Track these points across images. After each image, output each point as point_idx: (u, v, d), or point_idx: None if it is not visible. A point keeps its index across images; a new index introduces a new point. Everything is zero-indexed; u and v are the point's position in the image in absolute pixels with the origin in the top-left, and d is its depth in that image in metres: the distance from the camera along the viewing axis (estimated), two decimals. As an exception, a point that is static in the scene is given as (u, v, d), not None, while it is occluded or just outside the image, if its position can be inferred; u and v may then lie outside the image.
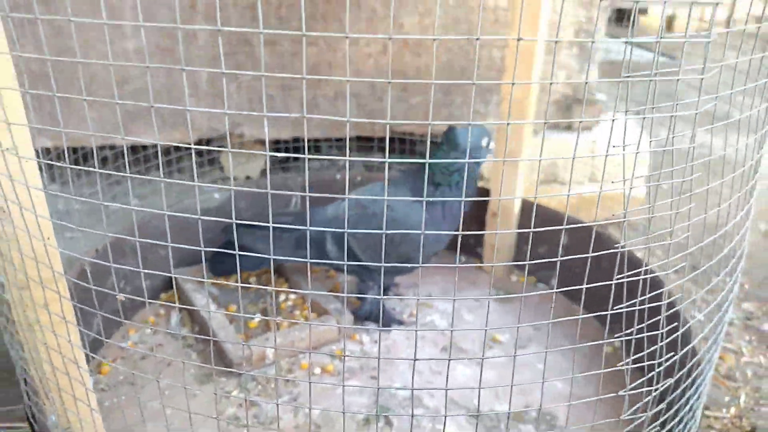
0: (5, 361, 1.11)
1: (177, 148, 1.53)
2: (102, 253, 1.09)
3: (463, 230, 1.28)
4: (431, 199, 0.58)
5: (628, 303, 0.53)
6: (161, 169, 0.48)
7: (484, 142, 1.12)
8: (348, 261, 1.14)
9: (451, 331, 0.53)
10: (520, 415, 1.01)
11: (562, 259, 0.55)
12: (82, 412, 0.61)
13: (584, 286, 0.56)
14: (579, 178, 1.67)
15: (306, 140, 0.78)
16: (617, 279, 0.56)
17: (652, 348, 0.58)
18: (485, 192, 1.38)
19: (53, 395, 0.62)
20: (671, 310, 0.63)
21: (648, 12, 4.11)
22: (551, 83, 0.70)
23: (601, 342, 1.09)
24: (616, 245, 0.62)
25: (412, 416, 0.55)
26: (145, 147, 1.54)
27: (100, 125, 1.51)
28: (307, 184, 0.48)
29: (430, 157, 1.14)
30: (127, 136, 1.55)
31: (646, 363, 0.58)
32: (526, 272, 1.25)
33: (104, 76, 1.45)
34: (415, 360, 0.56)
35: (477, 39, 0.44)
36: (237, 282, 1.31)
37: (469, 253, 1.46)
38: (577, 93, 1.62)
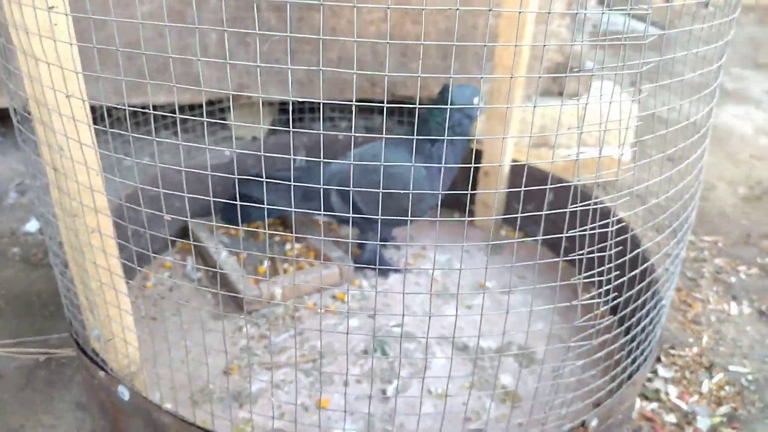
0: (55, 297, 1.23)
1: (189, 108, 1.62)
2: (129, 200, 1.19)
3: (456, 188, 1.39)
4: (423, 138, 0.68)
5: (581, 229, 0.63)
6: (179, 129, 0.58)
7: (475, 101, 1.21)
8: (351, 213, 1.25)
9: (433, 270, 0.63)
10: (503, 350, 1.12)
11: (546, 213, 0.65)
12: (125, 321, 0.72)
13: (564, 235, 0.66)
14: (569, 142, 1.77)
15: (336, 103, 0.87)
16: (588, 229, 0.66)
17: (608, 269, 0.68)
18: (478, 153, 1.48)
19: (99, 309, 0.73)
20: (621, 230, 0.73)
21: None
22: (545, 45, 0.80)
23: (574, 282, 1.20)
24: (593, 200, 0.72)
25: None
26: (154, 107, 1.63)
27: (115, 85, 1.59)
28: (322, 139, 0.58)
29: (427, 115, 1.24)
30: (139, 96, 1.64)
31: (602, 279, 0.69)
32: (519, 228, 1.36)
33: (120, 38, 1.53)
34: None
35: (456, 9, 0.53)
36: (252, 229, 1.42)
37: (462, 209, 1.56)
38: (568, 61, 1.70)
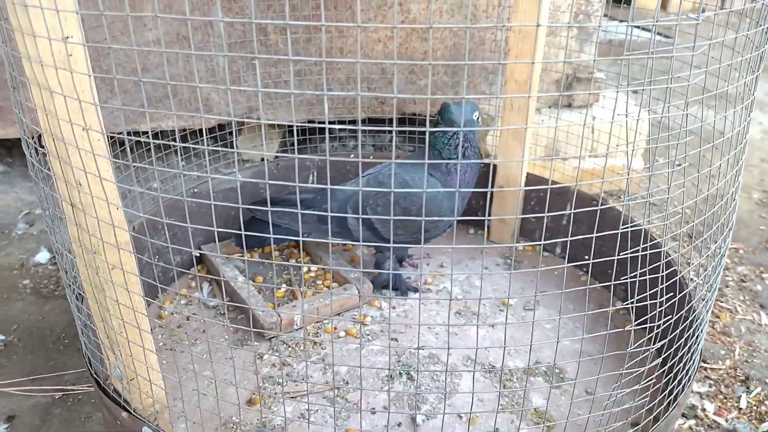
0: (69, 330, 1.20)
1: (195, 133, 1.60)
2: (139, 230, 1.17)
3: (470, 204, 1.36)
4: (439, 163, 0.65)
5: (632, 273, 0.60)
6: (178, 155, 0.56)
7: (474, 116, 1.19)
8: (368, 234, 1.23)
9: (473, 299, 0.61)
10: (532, 370, 1.09)
11: (573, 238, 0.62)
12: (149, 359, 0.70)
13: (592, 260, 0.64)
14: (582, 153, 1.74)
15: (350, 121, 0.85)
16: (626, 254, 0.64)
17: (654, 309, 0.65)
18: (493, 168, 1.45)
19: (121, 348, 0.70)
20: (670, 275, 0.71)
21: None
22: (564, 62, 0.77)
23: (607, 309, 1.17)
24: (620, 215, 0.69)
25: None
26: (165, 132, 1.62)
27: (122, 112, 1.58)
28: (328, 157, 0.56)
29: (431, 133, 1.22)
30: (149, 122, 1.62)
31: (650, 323, 0.66)
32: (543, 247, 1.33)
33: (126, 65, 1.52)
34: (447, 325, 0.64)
35: (467, 27, 0.51)
36: (261, 253, 1.39)
37: (478, 225, 1.54)
38: (577, 72, 1.69)
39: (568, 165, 1.76)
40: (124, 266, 0.65)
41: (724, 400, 1.06)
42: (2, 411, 1.02)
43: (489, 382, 1.06)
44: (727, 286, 1.40)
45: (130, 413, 0.74)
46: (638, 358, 0.71)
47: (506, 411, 1.00)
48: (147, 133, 1.60)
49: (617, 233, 0.62)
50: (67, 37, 0.56)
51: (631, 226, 0.67)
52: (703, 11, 0.62)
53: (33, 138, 0.69)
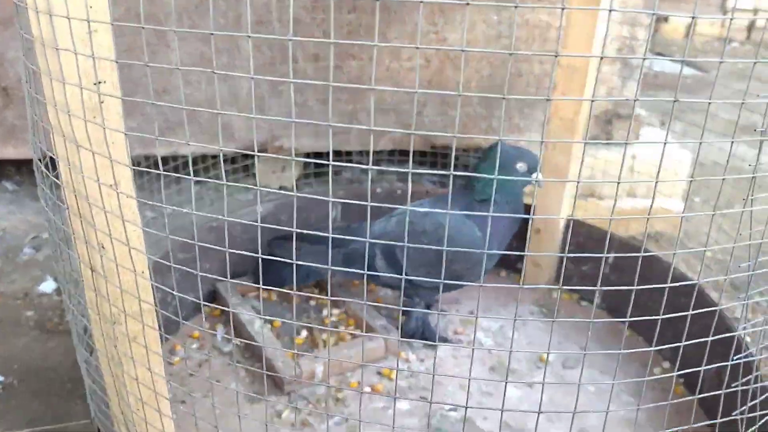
0: (73, 372, 1.12)
1: (211, 158, 1.53)
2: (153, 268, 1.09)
3: (506, 247, 1.28)
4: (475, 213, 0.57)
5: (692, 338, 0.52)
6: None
7: (518, 166, 1.10)
8: (397, 277, 1.14)
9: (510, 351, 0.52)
10: (575, 440, 1.00)
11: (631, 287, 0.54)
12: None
13: (658, 318, 0.55)
14: (619, 192, 1.66)
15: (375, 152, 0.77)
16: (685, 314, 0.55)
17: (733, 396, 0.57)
18: (528, 208, 1.37)
19: (137, 427, 0.62)
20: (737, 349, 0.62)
21: (668, 20, 4.09)
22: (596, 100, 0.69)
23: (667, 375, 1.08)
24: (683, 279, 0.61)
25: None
26: (175, 158, 1.54)
27: (139, 135, 1.50)
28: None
29: (475, 172, 1.14)
30: (166, 146, 1.55)
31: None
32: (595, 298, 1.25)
33: (145, 84, 1.44)
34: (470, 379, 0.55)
35: (511, 54, 0.43)
36: (287, 292, 1.31)
37: (510, 268, 1.45)
38: (618, 108, 1.61)
39: (606, 204, 1.68)
40: (146, 339, 0.56)
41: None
42: (-3, 466, 0.93)
43: (529, 453, 0.97)
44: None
45: (143, 497, 0.65)
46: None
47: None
48: (166, 158, 1.52)
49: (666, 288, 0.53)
50: (100, 83, 0.48)
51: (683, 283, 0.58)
52: (730, 41, 0.54)
53: (45, 162, 0.60)
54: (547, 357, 1.17)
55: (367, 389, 1.09)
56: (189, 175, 0.44)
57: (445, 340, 1.21)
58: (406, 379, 1.12)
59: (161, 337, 0.58)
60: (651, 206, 0.51)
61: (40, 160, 0.60)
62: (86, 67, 0.47)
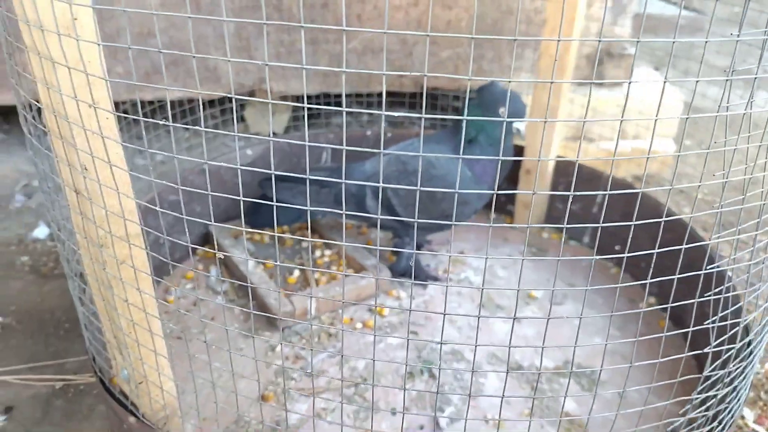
0: (70, 313, 1.13)
1: (210, 104, 1.51)
2: (145, 208, 1.09)
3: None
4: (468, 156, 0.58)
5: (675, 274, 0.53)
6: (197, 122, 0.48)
7: (501, 111, 1.09)
8: (387, 217, 1.15)
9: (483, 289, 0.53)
10: (560, 369, 1.03)
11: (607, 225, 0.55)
12: (161, 365, 0.63)
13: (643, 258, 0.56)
14: (609, 133, 1.66)
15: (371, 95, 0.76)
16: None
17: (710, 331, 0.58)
18: (519, 149, 1.37)
19: (129, 350, 0.63)
20: (719, 281, 0.63)
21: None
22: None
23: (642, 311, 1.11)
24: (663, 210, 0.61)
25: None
26: (161, 102, 1.52)
27: (126, 79, 1.48)
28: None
29: (464, 113, 1.14)
30: (153, 91, 1.53)
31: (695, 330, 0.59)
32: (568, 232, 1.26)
33: (129, 29, 1.41)
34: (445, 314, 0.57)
35: None
36: (273, 234, 1.32)
37: (500, 210, 1.46)
38: (609, 47, 1.59)
39: (595, 147, 1.68)
40: (134, 262, 0.57)
41: (765, 408, 1.00)
42: (0, 401, 0.95)
43: (516, 382, 1.00)
44: (760, 280, 1.34)
45: (138, 418, 0.68)
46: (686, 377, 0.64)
47: (535, 417, 0.94)
48: (152, 102, 1.51)
49: (657, 224, 0.54)
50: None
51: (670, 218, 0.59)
52: None
53: (31, 110, 0.60)
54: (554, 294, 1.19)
55: (359, 325, 1.11)
56: (175, 120, 0.44)
57: (435, 278, 1.23)
58: (397, 315, 1.14)
59: (151, 269, 0.59)
60: (651, 145, 0.51)
61: (29, 107, 0.59)
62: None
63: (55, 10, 0.47)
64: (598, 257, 1.27)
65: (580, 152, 1.58)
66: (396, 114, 0.42)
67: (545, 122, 0.44)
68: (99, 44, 0.48)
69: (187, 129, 1.65)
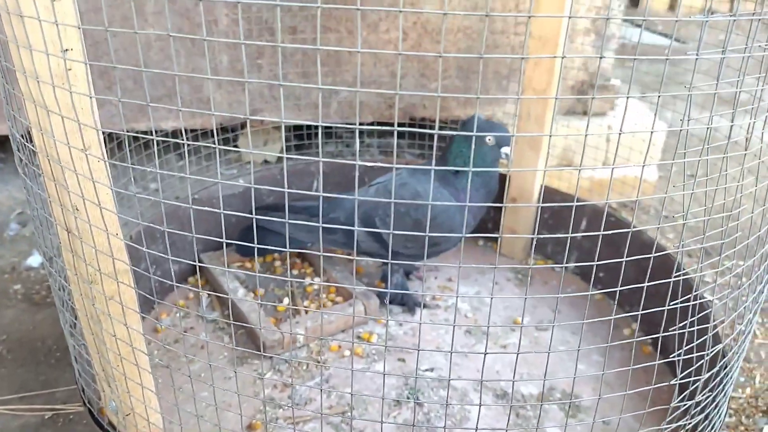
0: (61, 342, 1.15)
1: (196, 134, 1.54)
2: (136, 239, 1.11)
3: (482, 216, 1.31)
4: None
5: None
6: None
7: (487, 140, 1.13)
8: (376, 245, 1.18)
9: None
10: (546, 397, 1.05)
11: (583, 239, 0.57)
12: (147, 398, 0.64)
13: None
14: (593, 162, 1.69)
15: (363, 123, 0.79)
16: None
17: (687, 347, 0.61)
18: (504, 177, 1.40)
19: (117, 383, 0.65)
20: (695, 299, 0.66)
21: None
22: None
23: (632, 340, 1.13)
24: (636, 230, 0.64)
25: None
26: (163, 132, 1.56)
27: (121, 111, 1.52)
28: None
29: (451, 145, 1.18)
30: (146, 121, 1.56)
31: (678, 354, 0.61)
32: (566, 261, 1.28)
33: (126, 61, 1.45)
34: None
35: (486, 15, 0.45)
36: (262, 263, 1.34)
37: (486, 237, 1.49)
38: (593, 79, 1.64)
39: (581, 176, 1.71)
40: (122, 298, 0.59)
41: (746, 433, 1.01)
42: (-11, 430, 0.96)
43: (501, 409, 1.02)
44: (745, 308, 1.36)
45: (126, 449, 0.69)
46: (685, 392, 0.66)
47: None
48: (146, 132, 1.54)
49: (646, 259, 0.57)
50: (66, 50, 0.50)
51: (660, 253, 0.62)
52: (712, 13, 0.57)
53: (26, 151, 0.63)
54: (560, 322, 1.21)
55: (347, 353, 1.13)
56: (168, 149, 0.47)
57: (423, 306, 1.25)
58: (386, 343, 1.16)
59: (132, 273, 0.61)
60: (641, 177, 0.53)
61: (22, 136, 0.62)
62: (52, 36, 0.49)
63: (50, 61, 0.50)
64: (596, 292, 1.29)
65: (566, 180, 1.61)
66: (369, 130, 0.45)
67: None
68: (91, 96, 0.51)
69: (181, 158, 1.68)
